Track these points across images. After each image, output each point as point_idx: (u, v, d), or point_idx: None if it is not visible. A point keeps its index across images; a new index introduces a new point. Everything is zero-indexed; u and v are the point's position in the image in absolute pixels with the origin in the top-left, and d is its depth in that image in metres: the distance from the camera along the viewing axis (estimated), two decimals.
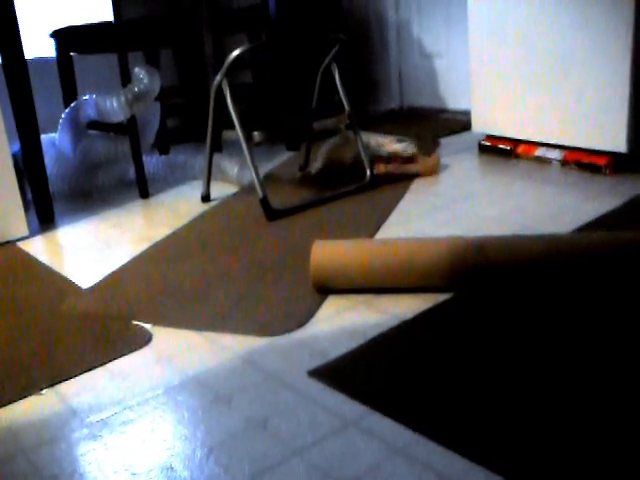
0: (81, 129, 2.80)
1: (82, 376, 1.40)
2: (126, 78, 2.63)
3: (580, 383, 1.22)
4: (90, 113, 2.71)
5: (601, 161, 2.48)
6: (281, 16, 3.23)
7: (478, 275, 1.59)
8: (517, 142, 2.79)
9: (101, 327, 1.61)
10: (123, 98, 2.59)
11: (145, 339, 1.54)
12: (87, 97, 2.72)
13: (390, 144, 2.71)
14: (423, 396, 1.22)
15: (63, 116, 2.77)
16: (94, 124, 2.81)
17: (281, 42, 2.88)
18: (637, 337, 1.35)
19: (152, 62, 3.26)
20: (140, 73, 2.63)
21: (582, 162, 2.54)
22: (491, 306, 1.54)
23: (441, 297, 1.60)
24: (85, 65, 3.50)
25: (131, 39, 2.92)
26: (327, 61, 2.57)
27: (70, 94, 3.04)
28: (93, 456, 1.14)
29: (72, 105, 2.76)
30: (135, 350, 1.49)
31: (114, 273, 1.95)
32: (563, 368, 1.27)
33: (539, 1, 2.52)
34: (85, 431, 1.22)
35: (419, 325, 1.49)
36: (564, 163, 2.61)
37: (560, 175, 2.52)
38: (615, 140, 2.42)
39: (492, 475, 1.01)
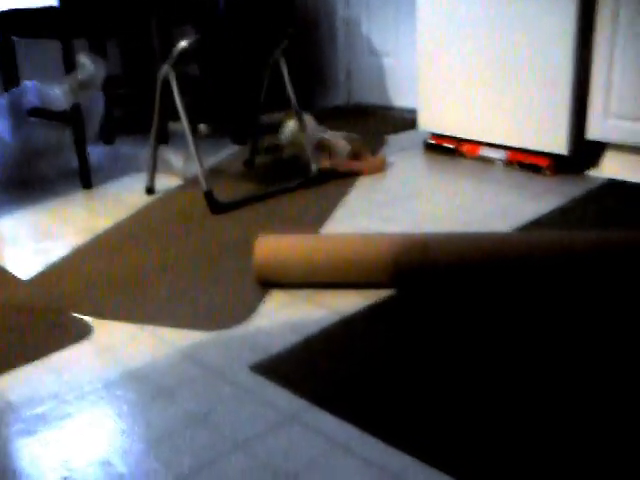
0: (22, 116, 2.73)
1: (19, 369, 1.38)
2: (70, 65, 2.57)
3: (519, 378, 1.24)
4: (32, 99, 2.65)
5: (543, 162, 2.53)
6: (230, 8, 3.21)
7: (421, 272, 1.60)
8: (462, 141, 2.83)
9: (40, 319, 1.58)
10: (67, 86, 2.54)
11: (85, 332, 1.51)
12: (29, 83, 2.65)
13: (335, 140, 2.71)
14: (364, 391, 1.23)
15: (3, 101, 2.70)
16: (36, 111, 2.75)
17: (229, 35, 2.86)
18: (573, 333, 1.39)
19: (97, 50, 3.20)
20: (85, 61, 2.58)
21: (524, 162, 2.59)
22: (433, 303, 1.56)
23: (383, 294, 1.62)
24: (28, 50, 3.42)
25: (76, 26, 2.86)
26: (275, 55, 2.56)
27: (11, 79, 2.96)
28: (28, 451, 1.12)
29: (13, 90, 2.69)
30: (74, 343, 1.47)
31: (54, 264, 1.91)
32: (503, 364, 1.29)
33: (486, 4, 2.55)
34: (21, 426, 1.19)
35: (361, 321, 1.50)
36: (507, 163, 2.65)
37: (503, 175, 2.56)
38: (556, 142, 2.47)
39: (432, 470, 1.03)
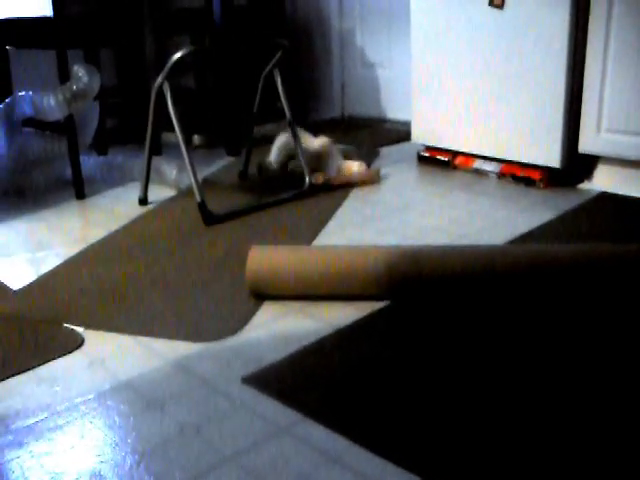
0: (16, 126, 2.73)
1: (9, 380, 1.37)
2: (65, 76, 2.58)
3: (512, 391, 1.24)
4: (26, 110, 2.65)
5: (536, 175, 2.54)
6: (225, 20, 3.22)
7: (413, 284, 1.60)
8: (455, 154, 2.84)
9: (31, 330, 1.57)
10: (61, 96, 2.54)
11: (77, 343, 1.51)
12: (23, 93, 2.65)
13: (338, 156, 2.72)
14: (357, 404, 1.23)
15: None
16: (30, 121, 2.75)
17: (224, 46, 2.87)
18: (566, 346, 1.39)
19: (92, 60, 3.21)
20: (79, 71, 2.58)
21: (517, 175, 2.59)
22: (425, 315, 1.56)
23: (377, 306, 1.62)
24: (22, 60, 3.42)
25: (70, 36, 2.87)
26: (269, 67, 2.57)
27: (5, 89, 2.96)
28: (17, 464, 1.11)
29: (7, 101, 2.69)
30: (66, 354, 1.46)
31: (46, 275, 1.90)
32: (497, 376, 1.29)
33: (481, 18, 2.57)
34: (10, 437, 1.18)
35: (354, 333, 1.50)
36: (500, 176, 2.66)
37: (496, 187, 2.57)
38: (550, 155, 2.48)
39: None
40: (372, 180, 2.69)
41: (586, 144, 2.41)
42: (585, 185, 2.51)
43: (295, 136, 2.59)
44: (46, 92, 2.58)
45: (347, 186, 2.64)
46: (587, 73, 2.35)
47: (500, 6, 2.49)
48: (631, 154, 2.31)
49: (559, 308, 1.56)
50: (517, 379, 1.28)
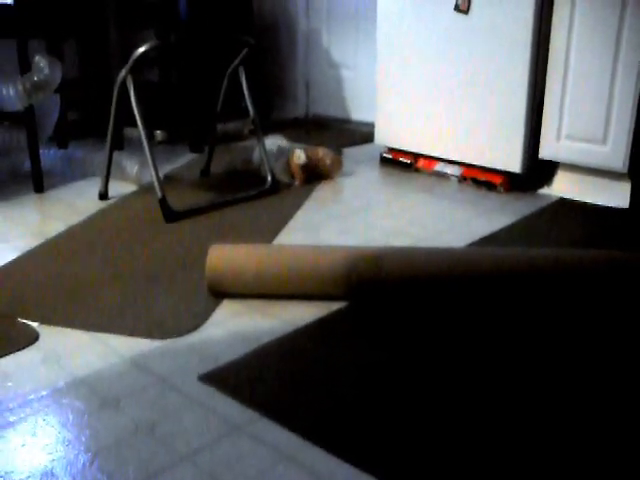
0: None
1: None
2: (25, 66, 2.53)
3: (469, 392, 1.26)
4: None
5: (496, 179, 2.56)
6: (191, 16, 3.20)
7: (373, 285, 1.61)
8: (418, 156, 2.86)
9: None
10: (21, 86, 2.50)
11: (31, 338, 1.48)
12: None
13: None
14: (312, 403, 1.23)
15: None
16: None
17: (190, 42, 2.85)
18: (520, 346, 1.41)
19: (54, 52, 3.16)
20: (41, 62, 2.54)
21: (479, 179, 2.62)
22: (384, 316, 1.57)
23: (335, 306, 1.62)
24: None
25: (32, 25, 2.82)
26: (235, 64, 2.56)
27: None
28: None
29: None
30: (20, 349, 1.44)
31: (2, 268, 1.87)
32: (450, 378, 1.31)
33: (446, 22, 2.59)
34: None
35: (312, 333, 1.50)
36: (461, 179, 2.68)
37: (457, 191, 2.59)
38: (510, 160, 2.51)
39: None
40: (337, 164, 2.71)
41: (546, 150, 2.45)
42: (544, 190, 2.54)
43: (258, 136, 2.58)
44: (5, 82, 2.53)
45: (310, 181, 2.64)
46: (549, 80, 2.39)
47: (465, 11, 2.52)
48: (590, 161, 2.35)
49: (518, 310, 1.58)
50: (472, 382, 1.30)
